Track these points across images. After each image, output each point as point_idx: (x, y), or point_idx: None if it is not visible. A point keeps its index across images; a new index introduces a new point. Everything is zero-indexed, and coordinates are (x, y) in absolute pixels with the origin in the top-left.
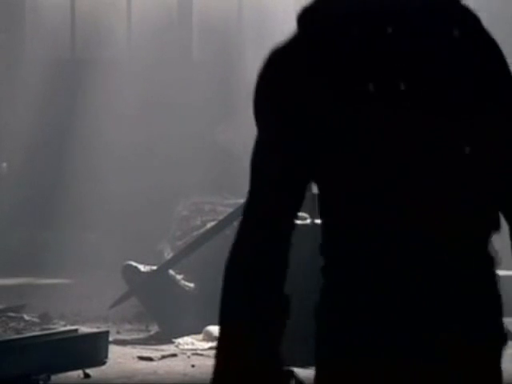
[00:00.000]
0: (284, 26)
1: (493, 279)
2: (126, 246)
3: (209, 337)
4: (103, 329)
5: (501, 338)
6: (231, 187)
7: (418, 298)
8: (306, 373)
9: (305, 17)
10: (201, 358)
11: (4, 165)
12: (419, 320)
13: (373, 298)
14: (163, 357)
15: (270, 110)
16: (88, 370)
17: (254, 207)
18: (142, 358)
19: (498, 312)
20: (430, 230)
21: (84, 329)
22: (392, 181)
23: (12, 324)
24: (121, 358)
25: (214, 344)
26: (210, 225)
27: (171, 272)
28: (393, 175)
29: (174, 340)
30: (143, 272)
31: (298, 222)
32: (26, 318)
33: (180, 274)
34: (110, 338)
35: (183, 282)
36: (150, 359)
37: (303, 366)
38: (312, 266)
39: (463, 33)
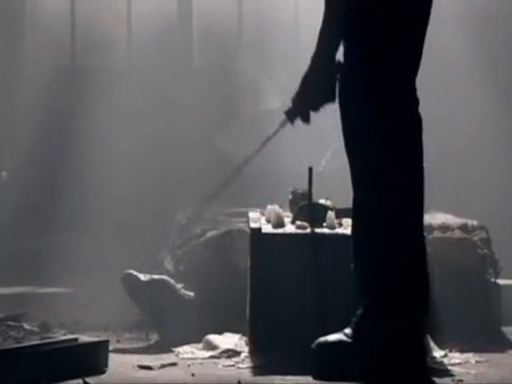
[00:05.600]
0: (284, 34)
1: None
2: (125, 253)
3: (209, 346)
4: (103, 338)
5: None
6: (231, 196)
7: None
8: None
9: None
10: (201, 366)
11: (4, 173)
12: None
13: None
14: (163, 366)
15: None
16: (88, 379)
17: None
18: (141, 367)
19: None
20: None
21: (84, 338)
22: None
23: (12, 333)
24: (121, 366)
25: (214, 353)
26: (209, 233)
27: (171, 281)
28: None
29: (173, 349)
30: (143, 281)
31: (298, 231)
32: (26, 327)
33: (180, 282)
34: (110, 347)
35: (183, 290)
36: (149, 368)
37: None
38: (313, 276)
39: None
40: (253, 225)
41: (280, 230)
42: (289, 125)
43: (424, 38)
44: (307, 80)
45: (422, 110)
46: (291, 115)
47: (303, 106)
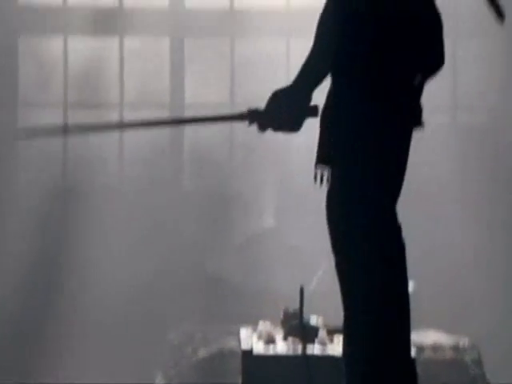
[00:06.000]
0: (273, 156)
1: None
2: (115, 374)
3: None
4: None
5: None
6: (222, 315)
7: None
8: None
9: None
10: None
11: None
12: None
13: None
14: None
15: None
16: None
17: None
18: None
19: None
20: None
21: None
22: None
23: None
24: None
25: None
26: (201, 352)
27: None
28: None
29: None
30: None
31: (289, 352)
32: None
33: None
34: None
35: None
36: None
37: None
38: None
39: None
40: (244, 345)
41: (271, 352)
42: (246, 124)
43: (406, 165)
44: (277, 104)
45: (407, 229)
46: (252, 117)
47: (265, 122)
